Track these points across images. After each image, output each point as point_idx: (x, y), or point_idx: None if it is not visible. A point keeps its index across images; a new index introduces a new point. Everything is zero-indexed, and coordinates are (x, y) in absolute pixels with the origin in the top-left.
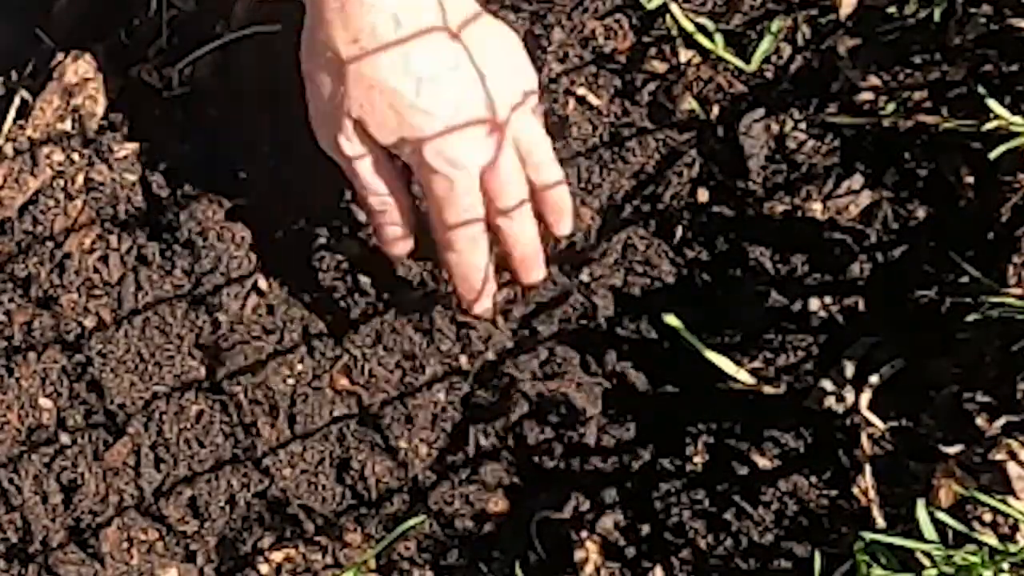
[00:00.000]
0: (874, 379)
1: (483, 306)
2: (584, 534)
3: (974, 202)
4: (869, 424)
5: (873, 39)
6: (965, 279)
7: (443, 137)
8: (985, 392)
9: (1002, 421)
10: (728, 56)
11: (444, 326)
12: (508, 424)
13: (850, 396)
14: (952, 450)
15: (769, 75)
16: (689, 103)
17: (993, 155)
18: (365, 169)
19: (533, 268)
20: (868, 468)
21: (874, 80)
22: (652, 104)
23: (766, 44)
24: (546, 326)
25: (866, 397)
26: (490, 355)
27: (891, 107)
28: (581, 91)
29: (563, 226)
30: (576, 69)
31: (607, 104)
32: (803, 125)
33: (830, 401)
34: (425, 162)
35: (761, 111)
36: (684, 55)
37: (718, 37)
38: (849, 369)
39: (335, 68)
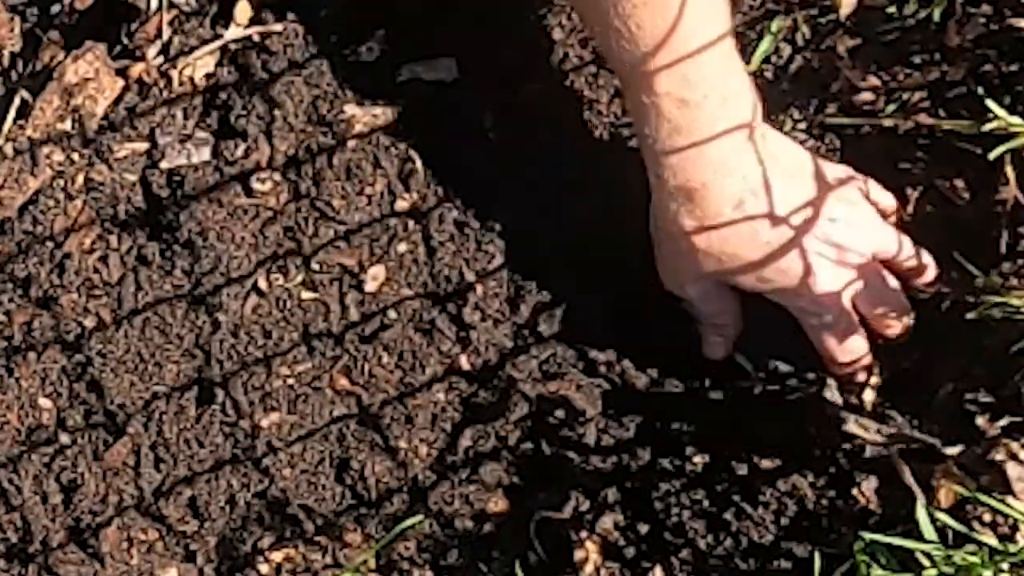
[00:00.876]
0: (874, 379)
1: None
2: (584, 534)
3: (974, 202)
4: (869, 424)
5: (873, 39)
6: (966, 279)
7: (805, 287)
8: (985, 392)
9: (1002, 422)
10: None
11: (444, 326)
12: (508, 424)
13: (850, 396)
14: (952, 450)
15: (769, 75)
16: None
17: (993, 155)
18: (705, 308)
19: (903, 334)
20: (868, 468)
21: (874, 80)
22: None
23: (766, 44)
24: (547, 326)
25: (867, 397)
26: (490, 355)
27: (891, 107)
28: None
29: (927, 278)
30: (576, 69)
31: (607, 104)
32: (803, 125)
33: (830, 401)
34: (792, 306)
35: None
36: None
37: None
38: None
39: (683, 246)
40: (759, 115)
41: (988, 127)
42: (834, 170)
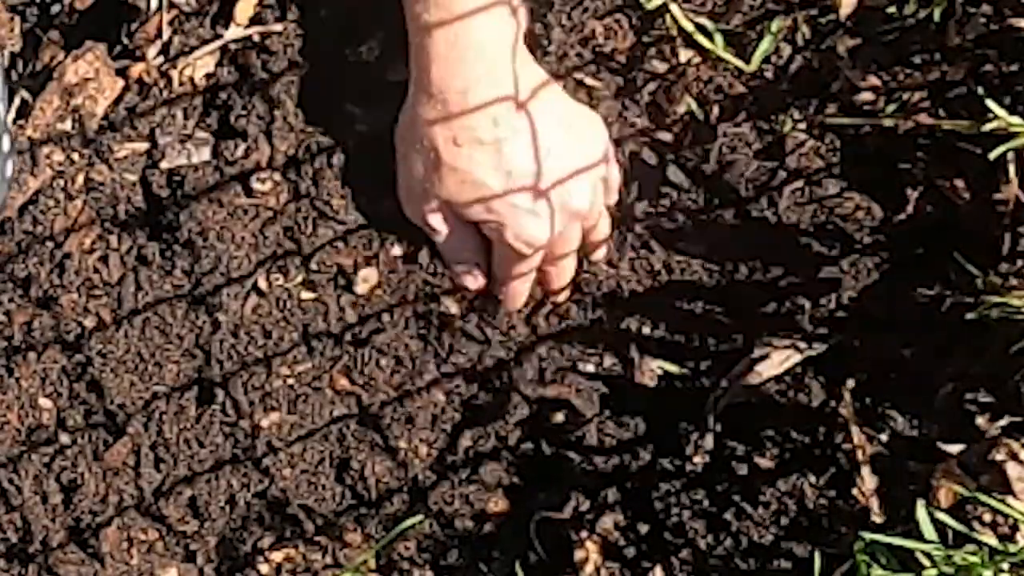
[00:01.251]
0: (874, 379)
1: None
2: (584, 534)
3: (974, 202)
4: (869, 424)
5: (873, 39)
6: (966, 279)
7: (520, 223)
8: (985, 392)
9: (1002, 422)
10: (728, 56)
11: (444, 327)
12: (508, 425)
13: (850, 396)
14: (952, 450)
15: (769, 75)
16: (688, 103)
17: (993, 155)
18: (447, 237)
19: (564, 289)
20: (868, 468)
21: (874, 80)
22: (651, 104)
23: (766, 44)
24: (547, 327)
25: (867, 397)
26: (490, 355)
27: (891, 107)
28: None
29: (597, 256)
30: (576, 69)
31: (607, 104)
32: (803, 125)
33: (830, 401)
34: (505, 241)
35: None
36: (684, 55)
37: (718, 37)
38: (850, 369)
39: (431, 158)
40: (518, 42)
41: (988, 127)
42: (587, 115)
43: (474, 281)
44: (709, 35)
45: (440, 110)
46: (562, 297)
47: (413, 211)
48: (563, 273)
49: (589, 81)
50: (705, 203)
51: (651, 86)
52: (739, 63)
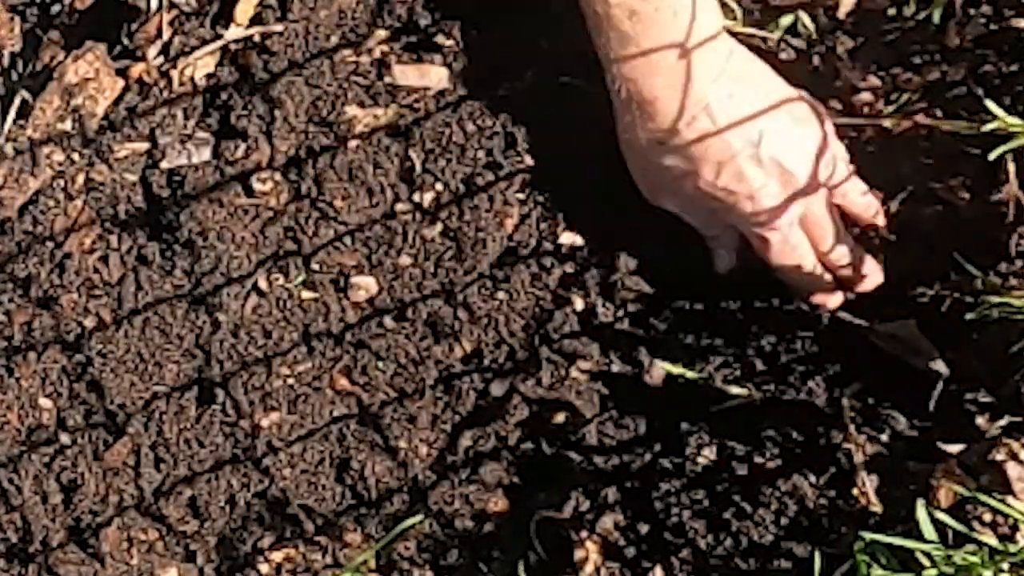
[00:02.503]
0: (875, 379)
1: (833, 302)
2: (584, 534)
3: (974, 202)
4: (869, 424)
5: (873, 39)
6: (966, 279)
7: (750, 208)
8: (985, 392)
9: (1002, 421)
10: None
11: (445, 327)
12: (508, 425)
13: (850, 396)
14: (952, 450)
15: None
16: None
17: (992, 156)
18: (695, 219)
19: (866, 279)
20: (868, 468)
21: (874, 80)
22: None
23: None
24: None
25: (867, 397)
26: (490, 356)
27: (891, 108)
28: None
29: (877, 219)
30: (576, 69)
31: (606, 105)
32: None
33: (830, 401)
34: (739, 225)
35: None
36: None
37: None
38: (850, 369)
39: (643, 156)
40: (720, 31)
41: (987, 128)
42: (797, 96)
43: (725, 257)
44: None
45: (637, 117)
46: (870, 284)
47: (652, 199)
48: (843, 258)
49: None
50: None
51: None
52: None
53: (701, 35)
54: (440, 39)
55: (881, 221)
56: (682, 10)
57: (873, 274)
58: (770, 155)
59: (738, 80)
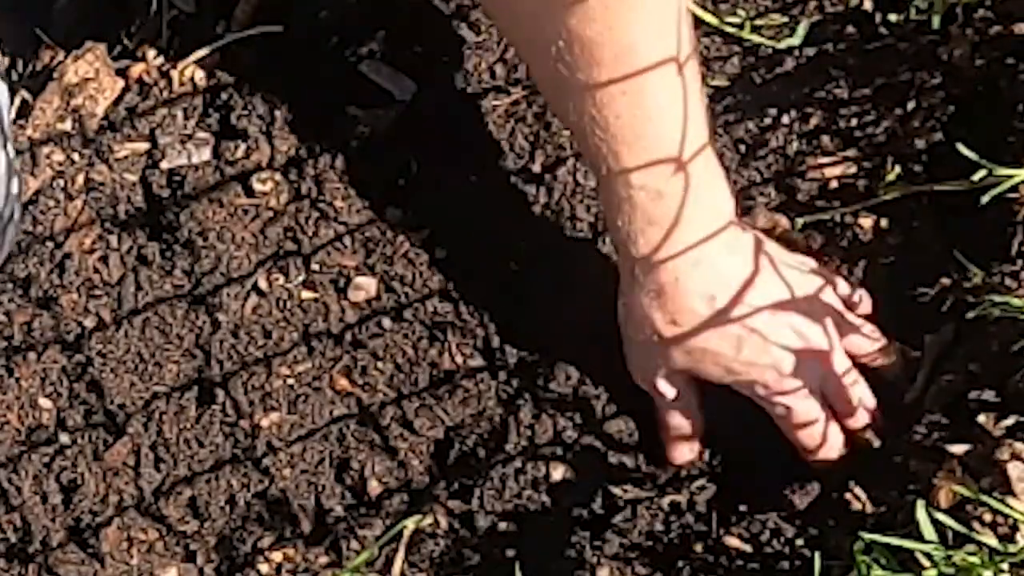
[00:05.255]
0: (874, 379)
1: (837, 454)
2: (587, 534)
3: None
4: (869, 423)
5: (872, 42)
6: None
7: (773, 378)
8: (987, 392)
9: (1007, 422)
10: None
11: (445, 327)
12: (509, 424)
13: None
14: (955, 450)
15: (770, 76)
16: None
17: (984, 200)
18: (673, 405)
19: (870, 425)
20: (869, 468)
21: (873, 83)
22: None
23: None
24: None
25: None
26: (491, 355)
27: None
28: None
29: (889, 372)
30: None
31: None
32: (798, 126)
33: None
34: (759, 396)
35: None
36: None
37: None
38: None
39: (654, 340)
40: (731, 212)
41: (976, 177)
42: (807, 266)
43: (685, 454)
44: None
45: (654, 298)
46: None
47: (643, 379)
48: (854, 410)
49: None
50: None
51: None
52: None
53: (720, 213)
54: (441, 39)
55: (890, 359)
56: (706, 191)
57: (871, 419)
58: (791, 323)
59: (750, 256)
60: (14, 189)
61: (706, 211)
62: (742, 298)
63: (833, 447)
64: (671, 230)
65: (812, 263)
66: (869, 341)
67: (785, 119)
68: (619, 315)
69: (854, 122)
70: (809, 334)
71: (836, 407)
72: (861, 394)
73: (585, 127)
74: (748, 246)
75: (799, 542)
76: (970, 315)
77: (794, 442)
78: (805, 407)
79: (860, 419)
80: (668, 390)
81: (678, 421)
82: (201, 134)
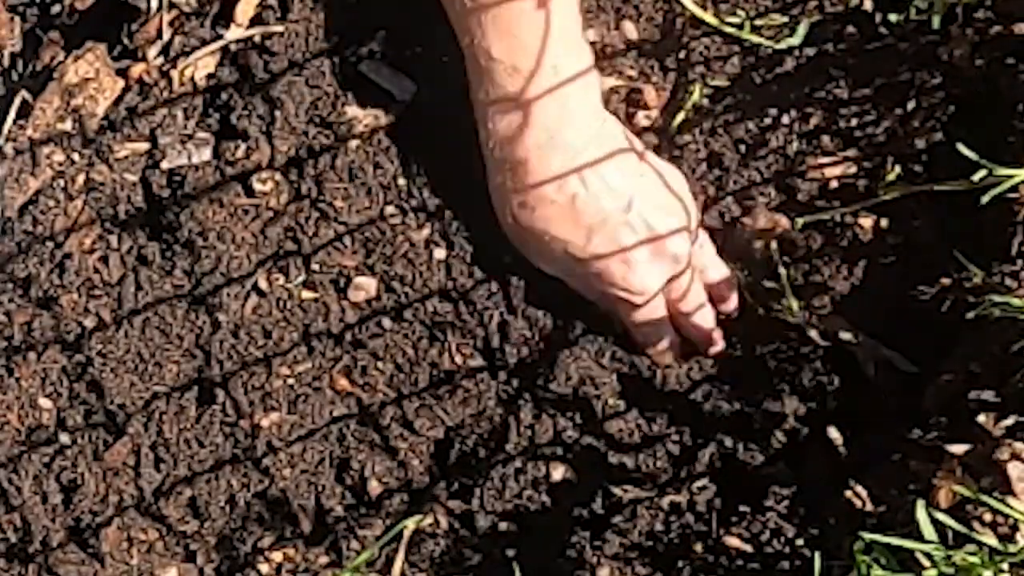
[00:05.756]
0: (875, 378)
1: (669, 359)
2: (588, 534)
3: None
4: (870, 423)
5: (872, 42)
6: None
7: (616, 274)
8: (987, 391)
9: (1007, 422)
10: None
11: (445, 327)
12: (509, 424)
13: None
14: (955, 450)
15: (768, 77)
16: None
17: (984, 199)
18: (580, 286)
19: (712, 345)
20: (869, 468)
21: (873, 83)
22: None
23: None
24: (552, 326)
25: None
26: (490, 356)
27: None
28: None
29: (729, 307)
30: None
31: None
32: (797, 126)
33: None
34: (610, 295)
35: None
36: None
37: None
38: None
39: (513, 218)
40: (596, 99)
41: (976, 177)
42: (663, 167)
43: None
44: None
45: (508, 177)
46: (715, 350)
47: (534, 261)
48: (700, 327)
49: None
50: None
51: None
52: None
53: (579, 97)
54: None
55: (732, 304)
56: (565, 71)
57: (718, 343)
58: (642, 219)
59: (606, 145)
60: None
61: (562, 93)
62: (597, 188)
63: (669, 353)
64: (523, 106)
65: (673, 167)
66: (717, 265)
67: (785, 119)
68: (490, 193)
69: (854, 122)
70: (663, 231)
71: (676, 309)
72: (705, 314)
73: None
74: (613, 138)
75: (799, 542)
76: (970, 315)
77: (628, 328)
78: (648, 309)
79: (701, 331)
80: (561, 274)
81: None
82: (201, 134)
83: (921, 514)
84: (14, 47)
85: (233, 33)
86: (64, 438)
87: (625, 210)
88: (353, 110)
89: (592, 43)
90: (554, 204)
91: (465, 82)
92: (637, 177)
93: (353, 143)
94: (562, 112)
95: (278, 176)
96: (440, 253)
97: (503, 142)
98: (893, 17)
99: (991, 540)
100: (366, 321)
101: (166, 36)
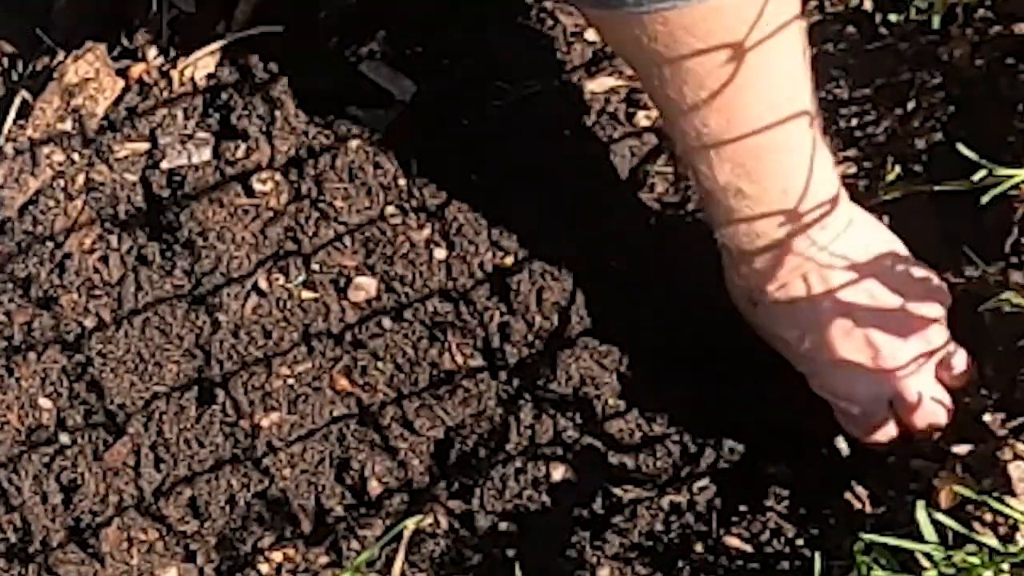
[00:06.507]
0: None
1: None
2: (587, 535)
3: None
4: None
5: (872, 42)
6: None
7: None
8: (988, 391)
9: (1014, 423)
10: None
11: (445, 327)
12: (510, 424)
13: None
14: (956, 450)
15: None
16: None
17: (985, 199)
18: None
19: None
20: (869, 468)
21: (873, 83)
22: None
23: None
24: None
25: None
26: (490, 356)
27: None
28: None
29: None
30: (577, 69)
31: (604, 105)
32: None
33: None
34: (832, 400)
35: None
36: None
37: None
38: None
39: (746, 307)
40: (840, 201)
41: (976, 177)
42: (915, 271)
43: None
44: None
45: (746, 279)
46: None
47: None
48: (929, 419)
49: None
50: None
51: None
52: None
53: (811, 211)
54: (441, 39)
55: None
56: (792, 190)
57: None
58: (861, 330)
59: (846, 254)
60: None
61: (789, 208)
62: (819, 289)
63: (884, 438)
64: (752, 223)
65: (927, 273)
66: (962, 365)
67: None
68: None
69: (854, 122)
70: (883, 346)
71: (906, 421)
72: (935, 413)
73: (674, 116)
74: (856, 242)
75: (799, 542)
76: (970, 314)
77: (848, 431)
78: (863, 416)
79: (922, 432)
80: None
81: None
82: (201, 134)
83: (921, 514)
84: (14, 47)
85: (233, 33)
86: (64, 438)
87: (845, 315)
88: (353, 110)
89: (592, 43)
90: (772, 300)
91: (464, 83)
92: (872, 285)
93: (353, 143)
94: (791, 233)
95: (278, 176)
96: (440, 253)
97: (733, 245)
98: (893, 17)
99: (991, 540)
100: (366, 321)
101: (166, 36)
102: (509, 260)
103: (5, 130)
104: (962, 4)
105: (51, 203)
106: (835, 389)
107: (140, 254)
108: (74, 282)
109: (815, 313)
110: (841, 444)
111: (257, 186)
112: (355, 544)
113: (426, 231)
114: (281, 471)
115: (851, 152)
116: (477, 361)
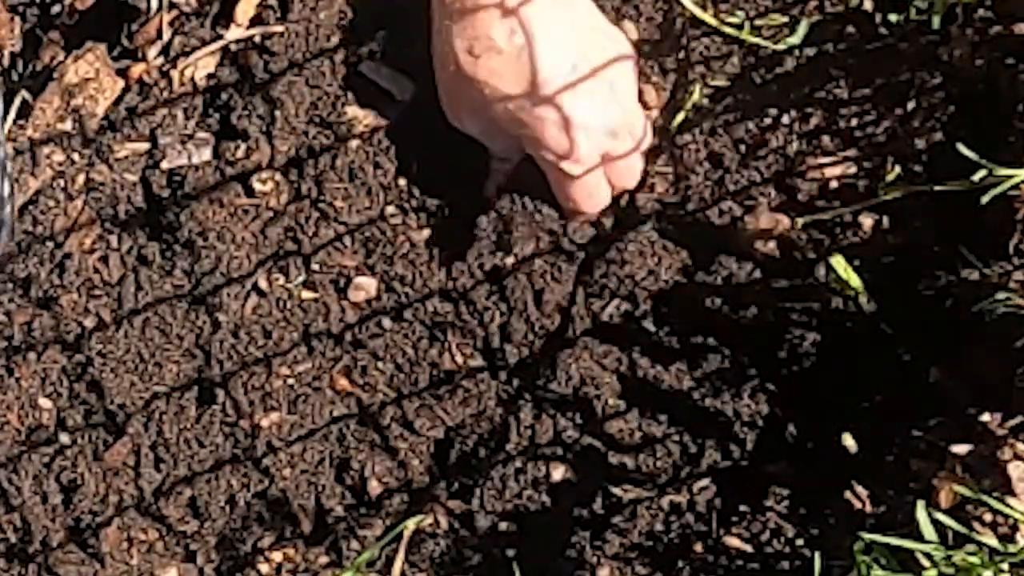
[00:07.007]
0: (875, 378)
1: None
2: (587, 534)
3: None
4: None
5: (871, 42)
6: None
7: (550, 136)
8: (987, 391)
9: (1012, 422)
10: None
11: (445, 327)
12: (510, 425)
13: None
14: (956, 450)
15: (768, 76)
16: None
17: (985, 199)
18: (491, 143)
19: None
20: (870, 468)
21: (873, 83)
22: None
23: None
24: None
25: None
26: (490, 356)
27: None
28: None
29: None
30: None
31: None
32: (797, 126)
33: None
34: (540, 155)
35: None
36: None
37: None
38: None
39: (456, 67)
40: None
41: (976, 177)
42: (623, 45)
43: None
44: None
45: (457, 19)
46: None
47: (452, 116)
48: (628, 173)
49: None
50: (698, 208)
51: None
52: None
53: None
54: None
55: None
56: None
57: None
58: (588, 85)
59: (571, 8)
60: (4, 191)
61: None
62: (547, 45)
63: (600, 203)
64: None
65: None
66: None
67: (785, 119)
68: (432, 48)
69: (854, 122)
70: (606, 112)
71: (612, 182)
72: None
73: None
74: (578, 6)
75: (799, 542)
76: (972, 313)
77: (562, 201)
78: (583, 174)
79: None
80: (478, 130)
81: (497, 153)
82: (201, 134)
83: (921, 514)
84: (14, 47)
85: (233, 33)
86: (64, 438)
87: (573, 71)
88: (353, 110)
89: None
90: (500, 55)
91: None
92: (588, 45)
93: (353, 143)
94: None
95: (278, 176)
96: (440, 253)
97: None
98: (893, 17)
99: (991, 540)
100: (366, 321)
101: (166, 36)
102: (509, 260)
103: (5, 130)
104: (962, 4)
105: (51, 203)
106: (562, 148)
107: (140, 254)
108: (74, 282)
109: (545, 65)
110: (848, 442)
111: (257, 186)
112: (355, 544)
113: (426, 231)
114: (281, 471)
115: (851, 152)
116: (477, 361)
